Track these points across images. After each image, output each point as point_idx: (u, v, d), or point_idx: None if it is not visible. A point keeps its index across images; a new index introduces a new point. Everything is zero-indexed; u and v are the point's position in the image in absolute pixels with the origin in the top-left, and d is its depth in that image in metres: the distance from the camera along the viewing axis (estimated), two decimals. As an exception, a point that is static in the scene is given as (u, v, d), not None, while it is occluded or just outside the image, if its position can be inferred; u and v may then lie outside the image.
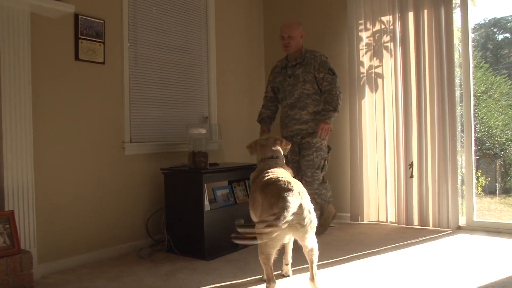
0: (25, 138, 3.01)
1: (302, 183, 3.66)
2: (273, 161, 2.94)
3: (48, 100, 3.22)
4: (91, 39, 3.46)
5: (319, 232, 3.60)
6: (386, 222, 4.54)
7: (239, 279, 2.89)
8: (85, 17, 3.42)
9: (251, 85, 5.18)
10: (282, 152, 3.06)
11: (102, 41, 3.54)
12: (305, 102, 3.99)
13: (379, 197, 4.59)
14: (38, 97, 3.13)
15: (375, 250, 3.55)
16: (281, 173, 2.74)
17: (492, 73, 6.65)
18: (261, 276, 2.85)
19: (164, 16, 4.13)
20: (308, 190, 3.72)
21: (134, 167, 3.79)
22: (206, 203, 3.49)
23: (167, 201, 3.70)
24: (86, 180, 3.45)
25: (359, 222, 4.64)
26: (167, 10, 4.17)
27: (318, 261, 3.28)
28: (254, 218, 2.79)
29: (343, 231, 4.26)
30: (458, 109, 4.23)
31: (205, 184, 3.48)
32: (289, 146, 3.13)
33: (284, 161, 3.07)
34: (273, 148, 3.01)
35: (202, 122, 4.46)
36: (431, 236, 3.95)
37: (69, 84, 3.35)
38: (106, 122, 3.60)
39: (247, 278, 2.92)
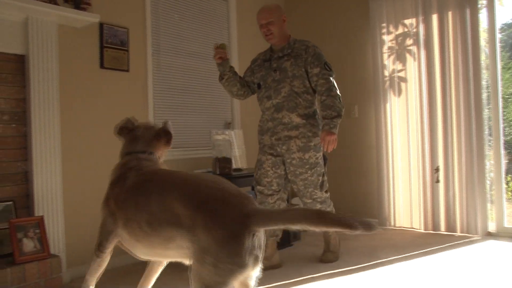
0: (54, 145, 3.09)
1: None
2: (146, 157, 2.12)
3: (75, 107, 3.30)
4: (116, 47, 3.54)
5: (331, 260, 3.40)
6: (412, 227, 4.47)
7: (263, 285, 2.88)
8: (109, 26, 3.50)
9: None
10: (164, 147, 2.25)
11: (126, 49, 3.61)
12: (294, 102, 3.21)
13: (405, 203, 4.52)
14: (65, 105, 3.22)
15: (401, 256, 3.50)
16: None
17: (521, 74, 6.50)
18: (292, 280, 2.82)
19: (186, 23, 4.19)
20: None
21: (159, 173, 3.83)
22: (230, 208, 3.50)
23: (191, 206, 3.72)
24: (112, 186, 3.51)
25: (386, 227, 4.58)
26: (189, 17, 4.23)
27: (344, 267, 3.26)
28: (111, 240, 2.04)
29: (369, 237, 4.20)
30: (485, 112, 4.14)
31: (228, 190, 3.49)
32: (168, 148, 2.27)
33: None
34: (151, 143, 2.19)
35: (225, 128, 4.49)
36: (459, 242, 3.87)
37: (95, 92, 3.42)
38: (131, 129, 3.65)
39: (272, 283, 2.91)
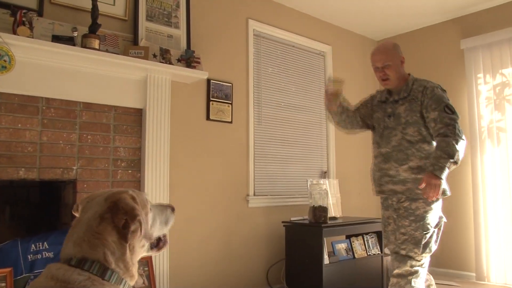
0: (163, 190, 3.37)
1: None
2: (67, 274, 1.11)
3: (182, 156, 3.59)
4: (221, 100, 3.83)
5: None
6: (516, 285, 4.19)
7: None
8: (216, 82, 3.81)
9: (369, 137, 5.22)
10: (117, 246, 1.21)
11: (230, 102, 3.89)
12: (405, 153, 2.70)
13: (506, 257, 4.26)
14: (174, 153, 3.50)
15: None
16: None
17: None
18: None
19: (284, 77, 4.44)
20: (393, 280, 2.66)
21: (257, 219, 4.00)
22: (326, 256, 3.55)
23: (287, 252, 3.81)
24: (214, 230, 3.71)
25: (485, 282, 4.33)
26: (288, 72, 4.47)
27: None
28: None
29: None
30: None
31: (324, 238, 3.55)
32: (137, 234, 1.26)
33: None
34: (92, 237, 1.19)
35: (321, 177, 4.59)
36: None
37: (200, 142, 3.71)
38: (232, 176, 3.88)
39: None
